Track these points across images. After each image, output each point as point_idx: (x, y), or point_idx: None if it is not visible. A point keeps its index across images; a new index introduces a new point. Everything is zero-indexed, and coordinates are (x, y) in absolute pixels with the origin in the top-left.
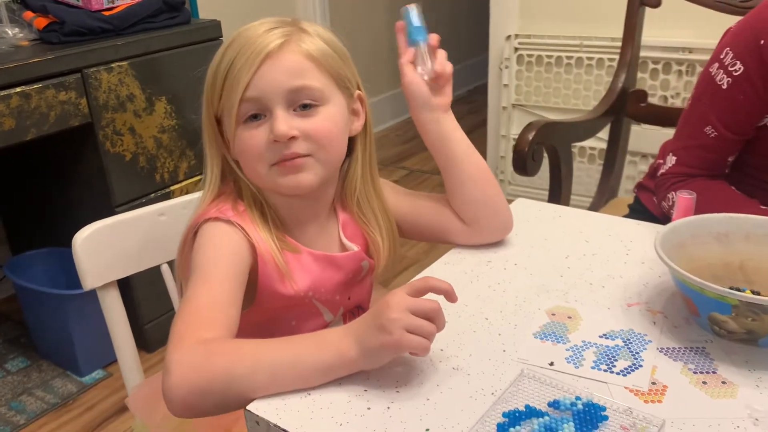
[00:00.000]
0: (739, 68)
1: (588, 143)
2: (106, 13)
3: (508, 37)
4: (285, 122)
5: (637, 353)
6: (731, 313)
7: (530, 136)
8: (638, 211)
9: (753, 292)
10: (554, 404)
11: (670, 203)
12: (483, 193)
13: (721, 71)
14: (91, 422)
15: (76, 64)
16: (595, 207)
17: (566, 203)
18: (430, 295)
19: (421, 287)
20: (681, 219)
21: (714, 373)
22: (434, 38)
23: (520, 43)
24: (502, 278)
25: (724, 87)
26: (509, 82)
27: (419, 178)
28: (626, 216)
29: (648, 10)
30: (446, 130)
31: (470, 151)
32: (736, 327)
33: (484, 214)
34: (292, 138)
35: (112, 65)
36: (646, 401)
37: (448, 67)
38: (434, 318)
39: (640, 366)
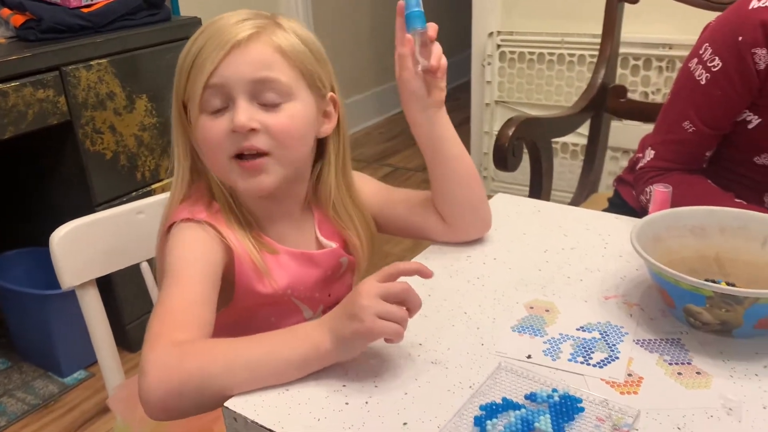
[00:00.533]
0: (718, 64)
1: (570, 139)
2: (85, 11)
3: (491, 33)
4: (246, 113)
5: (614, 345)
6: (705, 305)
7: (510, 132)
8: (617, 205)
9: (728, 284)
10: (531, 397)
11: (648, 197)
12: (468, 194)
13: (700, 66)
14: (73, 423)
15: (54, 61)
16: (576, 202)
17: (547, 198)
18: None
19: (392, 272)
20: (657, 212)
21: (689, 364)
22: (432, 28)
23: (502, 40)
24: (482, 273)
25: (703, 82)
26: (492, 78)
27: (404, 176)
28: (606, 210)
29: (628, 7)
30: (439, 128)
31: (461, 152)
32: (711, 318)
33: (466, 214)
34: (252, 130)
35: (92, 63)
36: (622, 393)
37: (444, 61)
38: (406, 299)
39: (617, 358)
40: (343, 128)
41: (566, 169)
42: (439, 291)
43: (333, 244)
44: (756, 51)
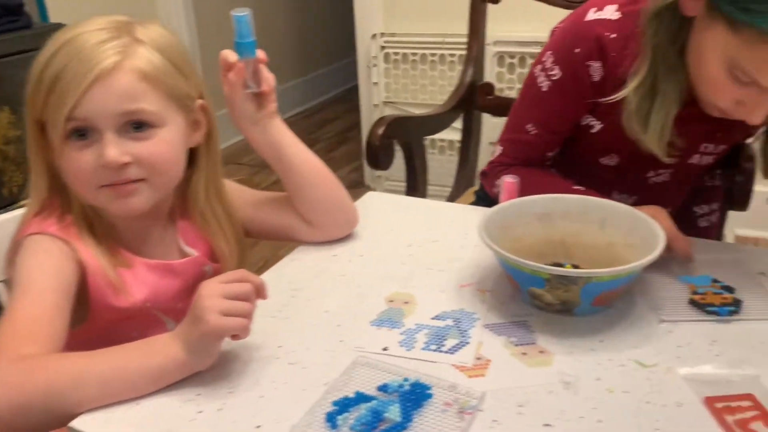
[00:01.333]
0: (557, 73)
1: (450, 136)
2: None
3: (374, 35)
4: (115, 148)
5: (466, 331)
6: (545, 287)
7: (380, 131)
8: (482, 198)
9: (573, 266)
10: (383, 388)
11: (499, 188)
12: (323, 194)
13: (543, 74)
14: None
15: None
16: (453, 196)
17: (423, 195)
18: None
19: (236, 277)
20: (505, 202)
21: (533, 344)
22: (262, 55)
23: (385, 42)
24: (347, 270)
25: (544, 89)
26: (378, 80)
27: None
28: (473, 203)
29: (501, 7)
30: (275, 136)
31: (304, 154)
32: (552, 299)
33: (326, 214)
34: (124, 164)
35: None
36: (470, 376)
37: (272, 81)
38: (248, 293)
39: (467, 343)
40: (214, 134)
41: (448, 165)
42: (303, 291)
43: (195, 252)
44: (591, 64)
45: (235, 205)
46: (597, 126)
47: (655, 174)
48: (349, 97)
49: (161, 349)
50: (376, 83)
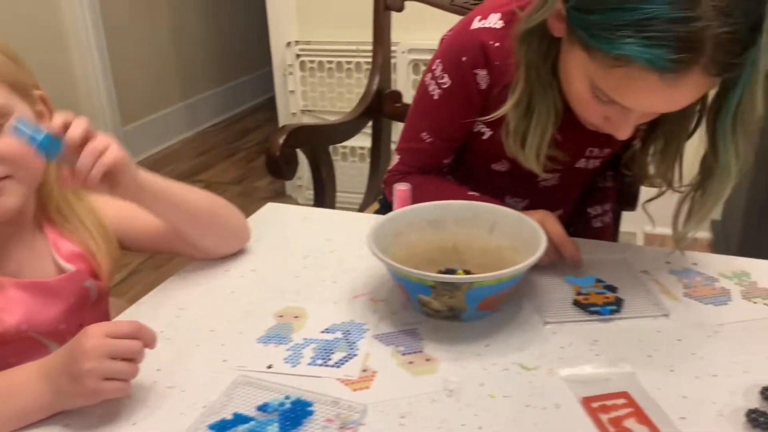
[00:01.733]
0: (447, 82)
1: (362, 143)
2: None
3: (289, 43)
4: None
5: (354, 343)
6: (431, 294)
7: (280, 141)
8: (385, 206)
9: (465, 271)
10: (263, 407)
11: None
12: (207, 226)
13: (433, 82)
14: None
15: None
16: (364, 205)
17: (332, 204)
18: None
19: (127, 331)
20: (397, 210)
21: (421, 351)
22: (71, 138)
23: (301, 50)
24: (238, 286)
25: (435, 98)
26: (295, 88)
27: (217, 190)
28: (377, 211)
29: (414, 14)
30: (146, 192)
31: (182, 195)
32: (439, 305)
33: (211, 239)
34: None
35: None
36: (355, 389)
37: (101, 143)
38: (135, 358)
39: (355, 355)
40: None
41: (362, 173)
42: (189, 311)
43: (71, 267)
44: (477, 72)
45: (109, 215)
46: (487, 133)
47: (545, 178)
48: (270, 106)
49: (24, 390)
50: (292, 91)
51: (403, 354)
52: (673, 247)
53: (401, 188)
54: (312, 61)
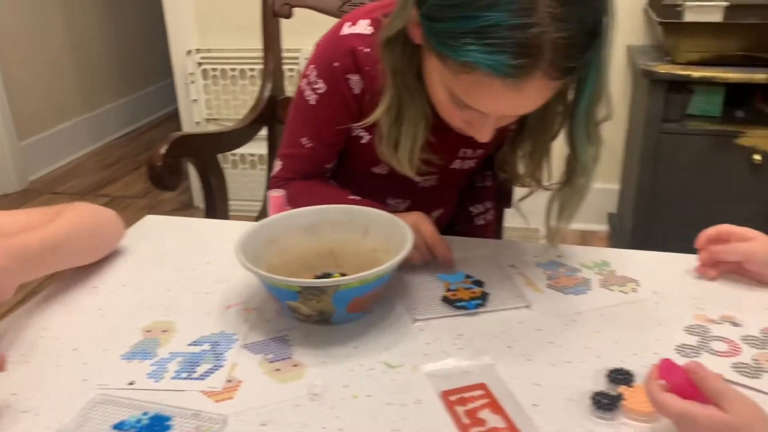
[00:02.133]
0: (322, 87)
1: (252, 150)
2: None
3: (189, 52)
4: None
5: (221, 354)
6: (299, 299)
7: (162, 150)
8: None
9: (342, 275)
10: (120, 425)
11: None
12: (88, 251)
13: (309, 88)
14: None
15: None
16: (262, 213)
17: (224, 215)
18: None
19: None
20: (271, 216)
21: (289, 358)
22: None
23: (202, 58)
24: (106, 302)
25: (312, 103)
26: (198, 97)
27: (121, 204)
28: None
29: (310, 21)
30: (30, 268)
31: (62, 246)
32: (308, 310)
33: (92, 257)
34: None
35: None
36: (218, 400)
37: None
38: None
39: (221, 366)
40: None
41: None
42: (52, 330)
43: None
44: (350, 77)
45: None
46: (366, 137)
47: (423, 180)
48: (177, 117)
49: None
50: (195, 100)
51: (271, 362)
52: (548, 241)
53: (275, 194)
54: (214, 69)
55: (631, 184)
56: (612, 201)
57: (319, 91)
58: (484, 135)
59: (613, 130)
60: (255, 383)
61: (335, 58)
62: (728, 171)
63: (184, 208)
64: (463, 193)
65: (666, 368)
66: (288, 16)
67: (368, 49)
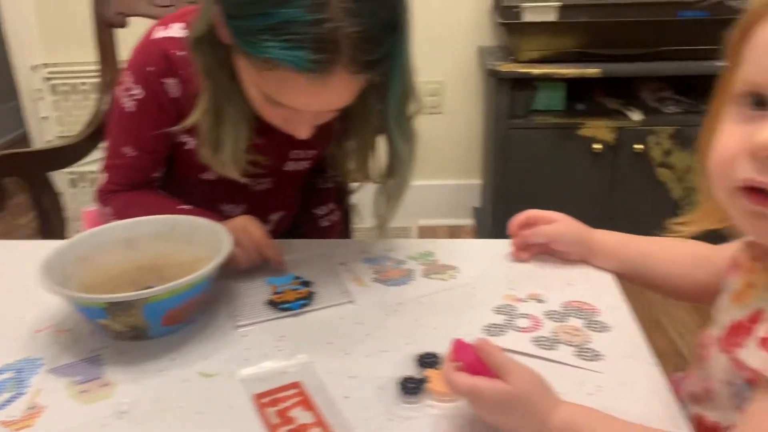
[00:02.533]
0: (139, 93)
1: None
2: None
3: (34, 67)
4: None
5: (24, 381)
6: (108, 316)
7: None
8: None
9: None
10: None
11: (107, 217)
12: None
13: (125, 94)
14: None
15: None
16: None
17: (61, 235)
18: None
19: None
20: (82, 233)
21: (99, 378)
22: None
23: (50, 73)
24: None
25: (131, 110)
26: (48, 114)
27: None
28: None
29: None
30: None
31: None
32: (119, 327)
33: None
34: None
35: None
36: (16, 429)
37: None
38: None
39: (23, 394)
40: None
41: None
42: None
43: None
44: (165, 81)
45: None
46: (190, 142)
47: (257, 183)
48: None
49: None
50: (45, 117)
51: (79, 384)
52: (378, 236)
53: (87, 210)
54: (64, 84)
55: (489, 179)
56: (476, 196)
57: (137, 98)
58: (302, 132)
59: (472, 128)
60: (60, 408)
61: (149, 62)
62: (572, 160)
63: (41, 233)
64: (305, 195)
65: (458, 348)
66: (122, 25)
67: (183, 53)
